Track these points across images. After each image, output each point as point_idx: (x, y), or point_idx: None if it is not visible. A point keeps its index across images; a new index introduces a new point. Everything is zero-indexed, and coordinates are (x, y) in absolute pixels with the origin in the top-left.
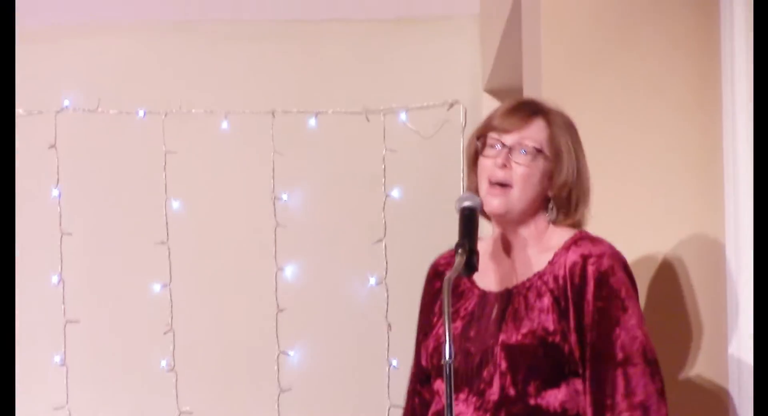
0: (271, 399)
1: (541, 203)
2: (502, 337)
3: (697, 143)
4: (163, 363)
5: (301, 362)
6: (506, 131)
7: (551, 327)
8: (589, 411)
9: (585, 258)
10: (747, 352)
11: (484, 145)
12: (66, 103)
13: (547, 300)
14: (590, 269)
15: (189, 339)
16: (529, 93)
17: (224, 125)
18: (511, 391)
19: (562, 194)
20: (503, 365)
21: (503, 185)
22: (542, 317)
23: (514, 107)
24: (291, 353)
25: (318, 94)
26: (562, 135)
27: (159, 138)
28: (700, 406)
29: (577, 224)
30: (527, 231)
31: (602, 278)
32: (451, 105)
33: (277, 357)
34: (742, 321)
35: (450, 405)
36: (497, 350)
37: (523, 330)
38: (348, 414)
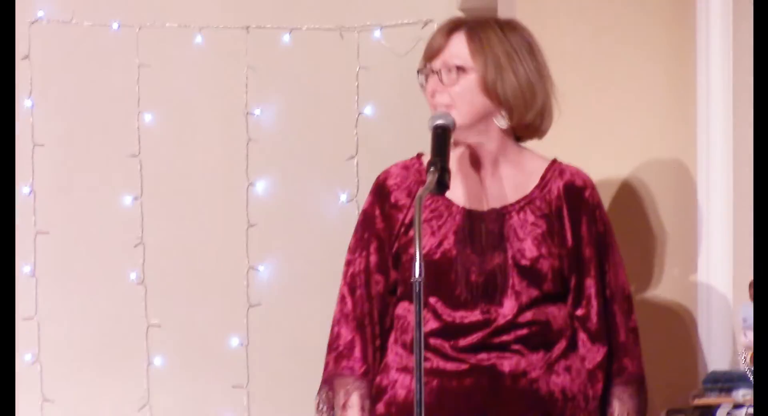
0: (240, 314)
1: (483, 116)
2: (510, 258)
3: (669, 65)
4: (133, 275)
5: (271, 277)
6: (431, 57)
7: (554, 251)
8: (583, 340)
9: (575, 187)
10: (715, 279)
11: (426, 74)
12: (40, 14)
13: (543, 224)
14: (585, 197)
15: (159, 252)
16: (503, 13)
17: (198, 39)
18: (524, 309)
19: (514, 103)
20: (516, 285)
21: (446, 105)
22: (544, 239)
23: (437, 30)
24: (260, 268)
25: (293, 10)
26: (493, 44)
27: (133, 51)
28: (669, 331)
29: (535, 131)
30: (493, 146)
31: (594, 209)
32: (426, 23)
33: (247, 271)
34: (712, 249)
35: (419, 323)
36: (509, 270)
37: (530, 254)
38: (317, 330)
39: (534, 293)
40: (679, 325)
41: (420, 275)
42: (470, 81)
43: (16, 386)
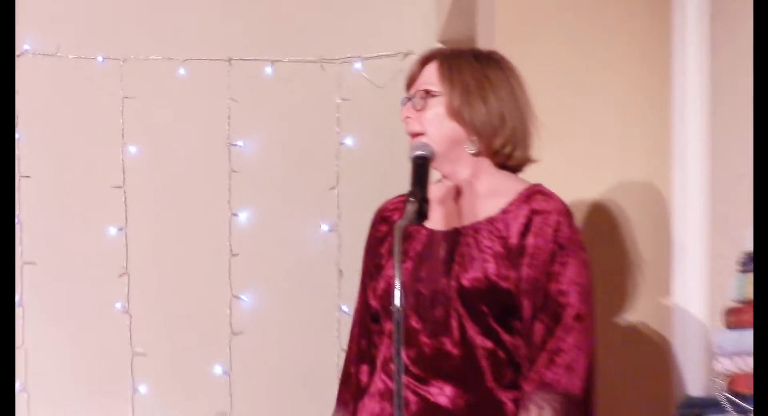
0: (224, 343)
1: (456, 142)
2: (454, 279)
3: (645, 90)
4: (118, 305)
5: (254, 306)
6: (408, 87)
7: (504, 274)
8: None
9: (538, 213)
10: (690, 304)
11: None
12: (26, 47)
13: (498, 246)
14: (542, 224)
15: (144, 282)
16: (482, 44)
17: (181, 71)
18: (474, 335)
19: (482, 130)
20: (459, 307)
21: (418, 135)
22: (493, 262)
23: (416, 61)
24: (244, 297)
25: (274, 42)
26: (464, 71)
27: (117, 84)
28: (642, 353)
29: (516, 165)
30: (467, 172)
31: (554, 234)
32: (406, 55)
33: (230, 301)
34: (687, 274)
35: (399, 351)
36: (452, 293)
37: (476, 274)
38: (299, 358)
39: (483, 316)
40: (654, 350)
41: (401, 304)
42: (438, 106)
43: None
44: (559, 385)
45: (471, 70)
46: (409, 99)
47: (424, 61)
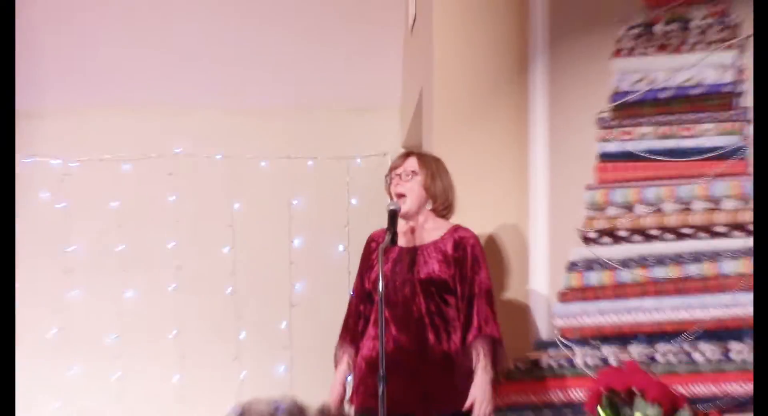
0: (286, 309)
1: (424, 202)
2: (416, 274)
3: (511, 173)
4: (229, 289)
5: (305, 290)
6: (396, 167)
7: (443, 271)
8: (461, 318)
9: (462, 238)
10: (540, 287)
11: (391, 179)
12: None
13: (440, 256)
14: (465, 244)
15: (247, 279)
16: (426, 147)
17: (262, 163)
18: (425, 304)
19: (432, 193)
20: (418, 289)
21: (401, 196)
22: (437, 265)
23: (401, 154)
24: (297, 285)
25: (311, 146)
26: (429, 164)
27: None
28: (515, 318)
29: (448, 215)
30: (422, 218)
31: (471, 250)
32: (384, 154)
33: (290, 285)
34: (538, 271)
35: (381, 321)
36: (415, 281)
37: (428, 271)
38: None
39: (429, 294)
40: (521, 314)
41: (382, 293)
42: (417, 182)
43: None
44: (486, 332)
45: (432, 164)
46: (397, 174)
47: (406, 155)
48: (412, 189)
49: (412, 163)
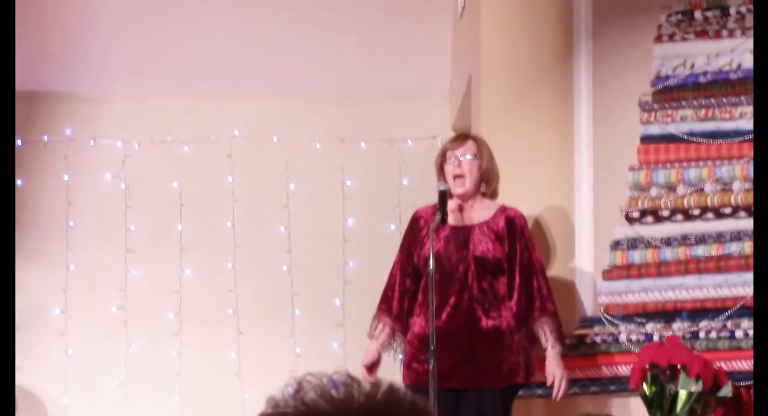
0: (340, 285)
1: (478, 184)
2: (470, 252)
3: (556, 155)
4: (284, 267)
5: (358, 268)
6: (454, 149)
7: (497, 250)
8: (516, 296)
9: (513, 217)
10: (585, 265)
11: (444, 159)
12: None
13: (492, 235)
14: (516, 223)
15: (302, 256)
16: (474, 130)
17: (318, 146)
18: (478, 281)
19: (489, 177)
20: (473, 267)
21: (460, 176)
22: (491, 244)
23: (458, 135)
24: (351, 263)
25: (363, 128)
26: (484, 149)
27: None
28: (562, 295)
29: (494, 196)
30: (472, 200)
31: (522, 229)
32: (434, 137)
33: (343, 263)
34: (584, 249)
35: (432, 289)
36: (469, 259)
37: (482, 249)
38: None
39: (483, 272)
40: (566, 292)
41: (432, 270)
42: (476, 165)
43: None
44: (549, 308)
45: (488, 149)
46: (456, 156)
47: (465, 138)
48: (471, 171)
49: (471, 147)
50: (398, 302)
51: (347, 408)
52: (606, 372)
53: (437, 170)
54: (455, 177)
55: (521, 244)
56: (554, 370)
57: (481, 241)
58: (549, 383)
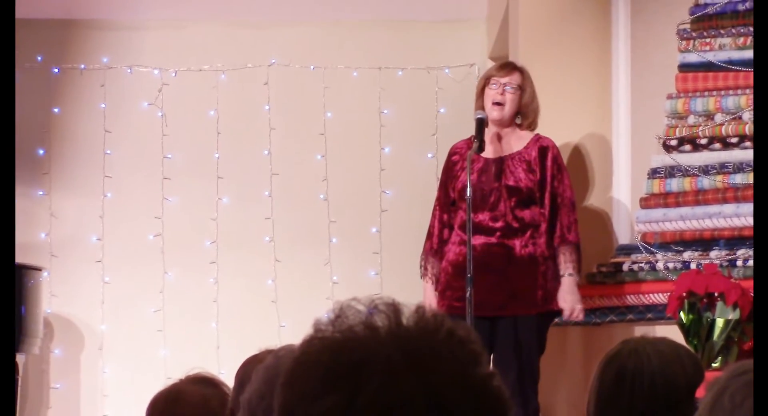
0: (377, 214)
1: (515, 115)
2: (503, 182)
3: (594, 83)
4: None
5: (396, 195)
6: (502, 76)
7: (529, 179)
8: (545, 224)
9: (545, 147)
10: (621, 196)
11: (487, 83)
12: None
13: (524, 165)
14: (548, 153)
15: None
16: (512, 58)
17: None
18: (512, 210)
19: (526, 111)
20: (506, 196)
21: (500, 104)
22: (523, 174)
23: (506, 63)
24: (389, 191)
25: (403, 56)
26: (528, 83)
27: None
28: (597, 224)
29: (533, 127)
30: (509, 129)
31: (554, 159)
32: (471, 65)
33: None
34: (621, 178)
35: (469, 218)
36: (502, 188)
37: (515, 179)
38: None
39: (516, 201)
40: (603, 220)
41: (470, 196)
42: (516, 96)
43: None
44: (569, 239)
45: (531, 83)
46: (502, 85)
47: (512, 68)
48: (513, 101)
49: (517, 78)
50: (438, 238)
51: (388, 334)
52: (643, 300)
53: (477, 93)
54: (495, 104)
55: (552, 173)
56: (565, 296)
57: (513, 172)
58: (563, 309)
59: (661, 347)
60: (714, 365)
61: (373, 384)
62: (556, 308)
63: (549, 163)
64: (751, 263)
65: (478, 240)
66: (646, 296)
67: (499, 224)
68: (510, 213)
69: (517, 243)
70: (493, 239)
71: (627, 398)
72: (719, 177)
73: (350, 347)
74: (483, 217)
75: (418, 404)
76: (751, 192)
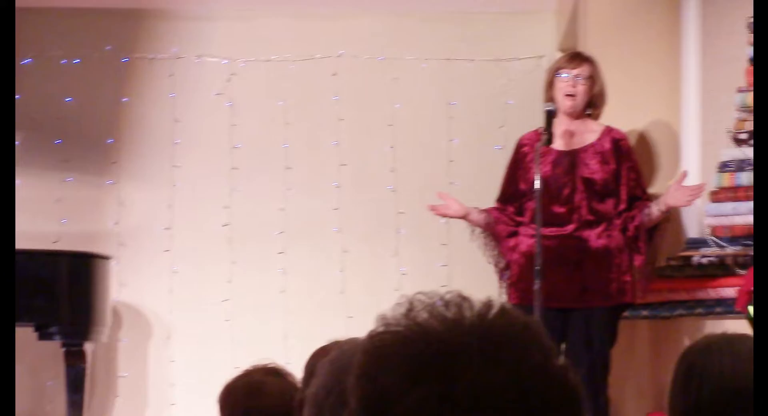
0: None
1: (586, 106)
2: (578, 174)
3: (664, 75)
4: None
5: (464, 186)
6: (573, 68)
7: (604, 171)
8: (623, 216)
9: (618, 139)
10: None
11: (557, 75)
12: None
13: (599, 157)
14: (622, 145)
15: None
16: (581, 49)
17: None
18: (587, 202)
19: (597, 101)
20: (581, 188)
21: (572, 95)
22: (598, 166)
23: (575, 54)
24: (457, 182)
25: (469, 48)
26: (597, 72)
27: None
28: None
29: (597, 118)
30: (579, 120)
31: (628, 151)
32: (540, 57)
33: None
34: (691, 172)
35: (539, 210)
36: (578, 180)
37: (589, 171)
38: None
39: (591, 193)
40: (672, 213)
41: (540, 189)
42: (588, 87)
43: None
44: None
45: (598, 72)
46: (574, 76)
47: (582, 59)
48: (584, 92)
49: (587, 69)
50: (500, 210)
51: (459, 327)
52: (712, 293)
53: (546, 86)
54: (567, 95)
55: (627, 165)
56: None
57: (587, 164)
58: (676, 204)
59: (737, 345)
60: None
61: (468, 374)
62: (629, 300)
63: (624, 156)
64: None
65: (552, 232)
66: (715, 290)
67: (573, 217)
68: (585, 205)
69: (592, 235)
70: (567, 231)
71: (694, 395)
72: None
73: (436, 339)
74: (557, 209)
75: (510, 393)
76: None
